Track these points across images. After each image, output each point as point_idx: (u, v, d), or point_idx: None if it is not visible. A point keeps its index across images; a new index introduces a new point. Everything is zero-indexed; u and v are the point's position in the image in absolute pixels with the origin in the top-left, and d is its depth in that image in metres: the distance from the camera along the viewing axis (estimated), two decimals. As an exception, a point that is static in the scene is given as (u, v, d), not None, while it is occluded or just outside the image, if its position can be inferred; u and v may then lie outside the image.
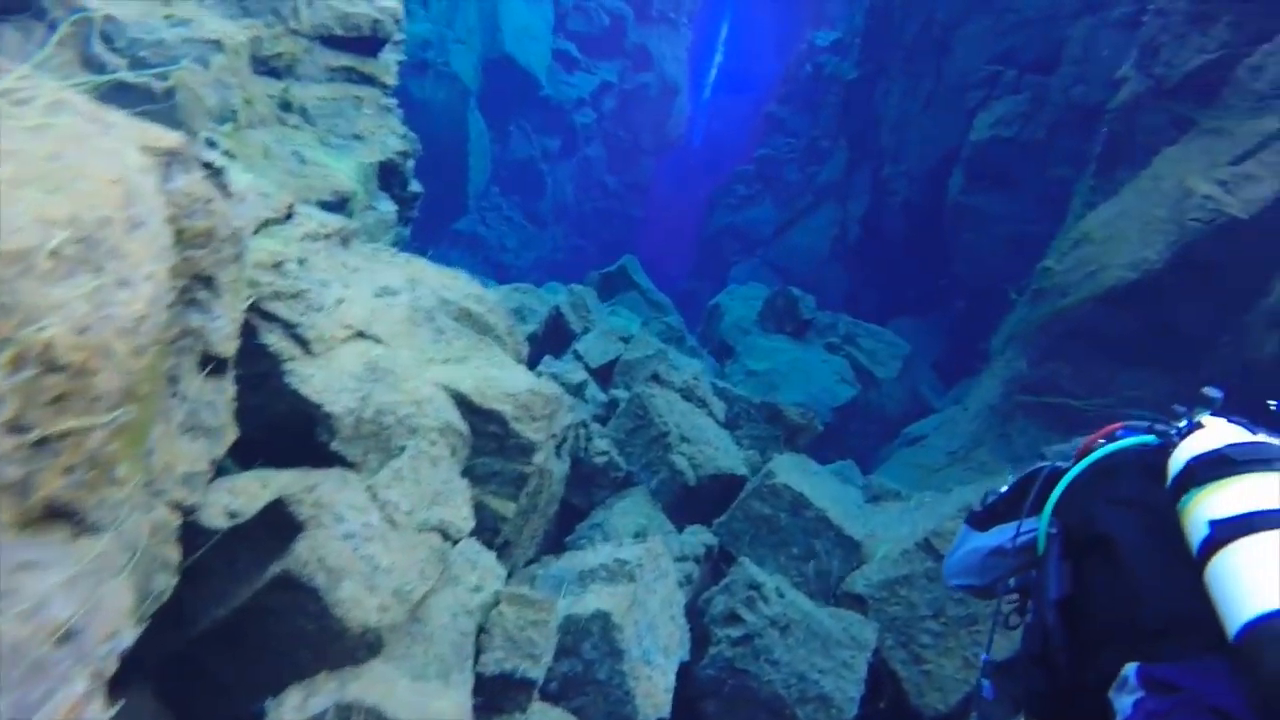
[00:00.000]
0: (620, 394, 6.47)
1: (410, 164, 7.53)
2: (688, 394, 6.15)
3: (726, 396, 6.48)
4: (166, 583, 2.76)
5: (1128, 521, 1.68)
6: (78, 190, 1.64)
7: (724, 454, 5.83)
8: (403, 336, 4.57)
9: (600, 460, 5.65)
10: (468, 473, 4.46)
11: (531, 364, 7.16)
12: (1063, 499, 1.87)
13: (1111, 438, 1.93)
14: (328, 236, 4.61)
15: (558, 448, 5.23)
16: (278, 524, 3.13)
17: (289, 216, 4.46)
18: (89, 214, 1.63)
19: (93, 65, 5.00)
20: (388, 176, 7.29)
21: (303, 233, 4.39)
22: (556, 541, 5.60)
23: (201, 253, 3.07)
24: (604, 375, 6.88)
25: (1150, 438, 1.84)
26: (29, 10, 4.66)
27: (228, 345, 3.20)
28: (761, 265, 21.58)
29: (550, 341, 7.27)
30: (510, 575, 5.09)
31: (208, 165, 3.07)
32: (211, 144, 5.35)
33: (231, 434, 3.00)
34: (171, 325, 2.93)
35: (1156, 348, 7.15)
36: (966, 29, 13.20)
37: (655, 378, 6.06)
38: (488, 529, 4.55)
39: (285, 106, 6.57)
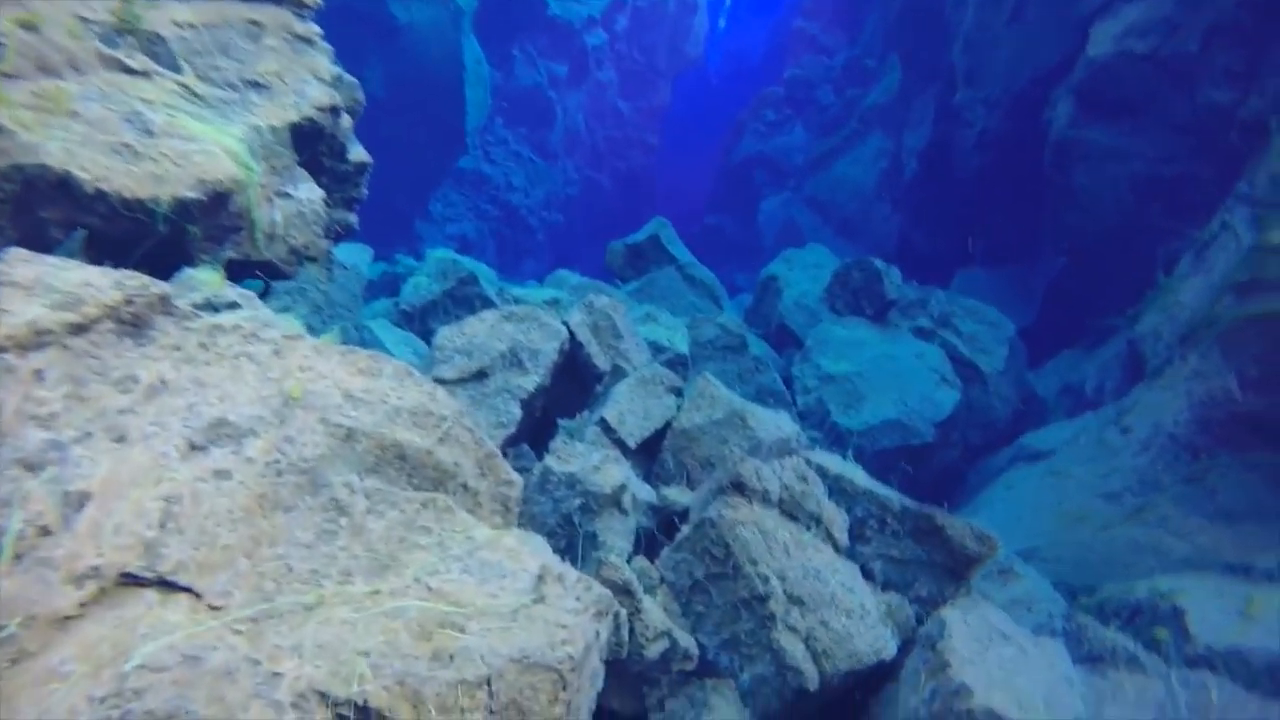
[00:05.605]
0: (675, 495, 3.87)
1: (346, 122, 4.74)
2: (791, 507, 3.57)
3: (845, 489, 3.90)
4: None
5: None
6: None
7: (859, 625, 3.28)
8: (242, 550, 1.98)
9: (656, 650, 3.14)
10: None
11: (538, 438, 4.46)
12: None
13: None
14: (80, 328, 1.98)
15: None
16: None
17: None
18: None
19: None
20: (311, 144, 4.49)
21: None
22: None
23: None
24: (648, 447, 4.28)
25: None
26: None
27: None
28: (795, 199, 18.55)
29: (564, 388, 4.65)
30: None
31: None
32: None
33: None
34: None
35: None
36: (1078, -91, 9.83)
37: (738, 486, 3.48)
38: None
39: (118, 37, 3.78)
